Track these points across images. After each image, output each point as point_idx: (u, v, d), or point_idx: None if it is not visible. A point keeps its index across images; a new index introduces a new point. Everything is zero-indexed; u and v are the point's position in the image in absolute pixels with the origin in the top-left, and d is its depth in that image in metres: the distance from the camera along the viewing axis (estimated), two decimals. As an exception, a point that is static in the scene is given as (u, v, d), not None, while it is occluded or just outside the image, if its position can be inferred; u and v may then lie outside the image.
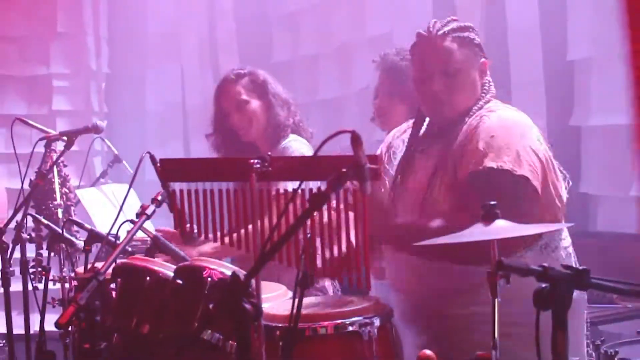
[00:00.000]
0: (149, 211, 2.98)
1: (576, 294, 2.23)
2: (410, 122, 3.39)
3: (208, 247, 3.76)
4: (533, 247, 3.05)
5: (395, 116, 4.04)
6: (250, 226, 2.92)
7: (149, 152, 3.07)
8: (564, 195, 3.12)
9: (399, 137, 3.42)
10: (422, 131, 3.30)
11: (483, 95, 3.18)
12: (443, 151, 3.12)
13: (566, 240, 3.19)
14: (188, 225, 3.11)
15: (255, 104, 4.23)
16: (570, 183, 3.18)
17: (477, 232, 2.55)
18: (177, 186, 3.11)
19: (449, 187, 3.05)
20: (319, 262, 2.83)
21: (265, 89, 4.25)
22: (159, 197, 3.04)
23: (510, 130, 3.04)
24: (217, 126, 4.34)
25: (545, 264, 2.26)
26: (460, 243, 2.57)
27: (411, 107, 3.81)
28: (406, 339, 3.13)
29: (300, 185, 2.58)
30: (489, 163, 2.94)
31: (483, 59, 3.20)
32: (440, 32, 3.15)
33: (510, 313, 2.53)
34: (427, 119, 3.29)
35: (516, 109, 3.20)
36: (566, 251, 3.17)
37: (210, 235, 3.13)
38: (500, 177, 2.93)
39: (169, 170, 3.08)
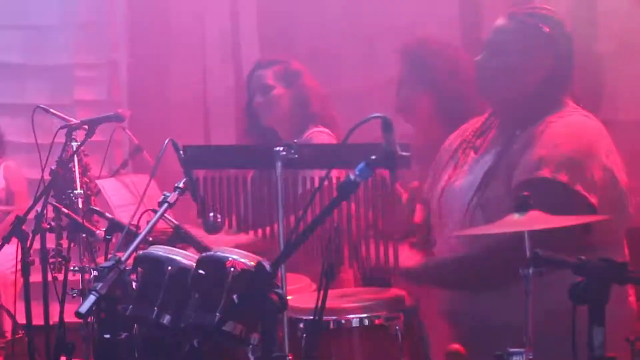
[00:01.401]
0: (171, 199, 2.92)
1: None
2: (473, 120, 3.31)
3: (245, 238, 3.70)
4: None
5: (420, 109, 3.97)
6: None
7: (171, 139, 3.02)
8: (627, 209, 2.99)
9: (460, 136, 3.31)
10: (478, 127, 3.22)
11: (546, 94, 3.03)
12: (500, 153, 3.02)
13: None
14: (211, 214, 3.05)
15: (280, 91, 4.22)
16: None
17: (509, 223, 2.48)
18: (200, 174, 3.06)
19: (501, 195, 2.93)
20: (346, 253, 2.78)
21: (296, 78, 4.25)
22: (181, 185, 2.98)
23: (577, 140, 2.91)
24: (245, 109, 4.40)
25: (582, 257, 2.20)
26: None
27: (437, 99, 3.74)
28: (434, 334, 3.07)
29: (328, 173, 2.52)
30: (546, 173, 2.83)
31: (547, 51, 3.03)
32: (509, 13, 3.11)
33: (544, 308, 2.45)
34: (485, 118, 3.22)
35: (591, 115, 3.07)
36: None
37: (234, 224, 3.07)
38: (554, 190, 2.82)
39: (192, 157, 3.03)
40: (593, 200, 2.84)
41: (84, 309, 2.54)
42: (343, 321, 2.89)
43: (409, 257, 3.01)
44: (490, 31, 3.13)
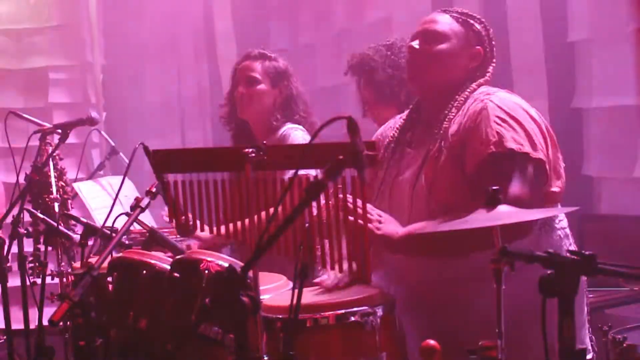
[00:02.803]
0: (143, 204, 2.93)
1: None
2: (396, 117, 3.38)
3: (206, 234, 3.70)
4: (534, 225, 3.00)
5: (382, 112, 3.97)
6: (247, 220, 2.87)
7: (142, 144, 3.01)
8: (563, 173, 3.12)
9: (390, 131, 3.36)
10: (403, 119, 3.31)
11: (471, 81, 3.15)
12: (432, 138, 3.09)
13: (563, 222, 3.16)
14: (183, 217, 3.05)
15: (263, 87, 4.19)
16: (564, 164, 3.15)
17: (480, 219, 2.48)
18: (171, 177, 3.05)
19: (451, 175, 2.99)
20: (318, 253, 2.77)
21: (282, 77, 4.23)
22: (153, 189, 2.98)
23: (517, 112, 3.01)
24: (228, 97, 4.35)
25: (550, 250, 2.21)
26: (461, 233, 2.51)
27: (398, 109, 3.77)
28: (409, 329, 3.07)
29: (295, 173, 2.52)
30: (510, 144, 2.91)
31: (479, 48, 3.18)
32: (442, 9, 3.24)
33: (515, 300, 2.46)
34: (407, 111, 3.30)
35: (508, 92, 3.17)
36: (564, 232, 3.15)
37: (206, 226, 3.07)
38: (520, 159, 2.92)
39: (162, 161, 3.03)
40: (547, 166, 2.98)
41: (56, 316, 2.53)
42: (319, 319, 2.87)
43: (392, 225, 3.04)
44: (424, 22, 3.22)
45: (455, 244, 2.85)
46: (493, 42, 3.23)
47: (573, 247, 3.12)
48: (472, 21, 3.19)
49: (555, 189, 3.07)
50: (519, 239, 2.78)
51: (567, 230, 3.17)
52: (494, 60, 3.23)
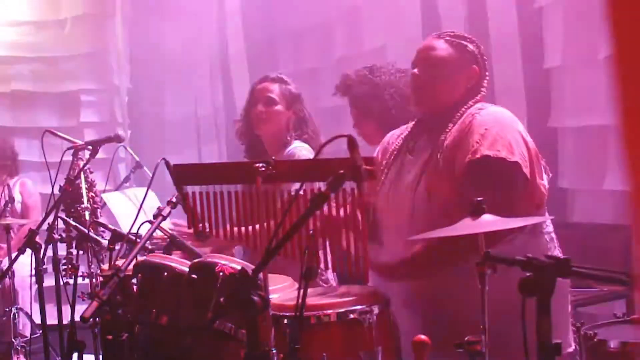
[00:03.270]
0: (164, 212, 2.92)
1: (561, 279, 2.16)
2: (406, 125, 3.33)
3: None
4: (521, 232, 2.94)
5: (369, 132, 3.95)
6: (257, 225, 2.86)
7: (164, 159, 3.00)
8: (546, 184, 3.07)
9: (395, 139, 3.34)
10: (409, 130, 3.26)
11: (468, 99, 3.11)
12: (431, 148, 3.07)
13: (549, 227, 3.14)
14: (200, 224, 3.04)
15: (280, 108, 4.15)
16: (550, 175, 3.12)
17: (465, 226, 2.48)
18: (190, 189, 3.04)
19: (444, 184, 2.97)
20: (321, 257, 2.77)
21: (295, 101, 4.18)
22: (174, 199, 2.97)
23: (501, 122, 2.99)
24: (244, 114, 4.28)
25: (529, 255, 2.20)
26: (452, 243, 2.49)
27: (379, 123, 3.76)
28: (403, 325, 3.06)
29: (301, 186, 2.52)
30: (485, 151, 2.88)
31: (475, 66, 3.14)
32: (438, 35, 3.18)
33: (500, 300, 2.45)
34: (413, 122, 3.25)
35: (501, 107, 3.15)
36: (550, 236, 3.12)
37: (221, 233, 3.06)
38: (496, 165, 2.87)
39: (181, 174, 3.02)
40: (526, 170, 2.91)
41: (87, 313, 2.53)
42: (322, 316, 2.87)
43: (383, 255, 3.01)
44: (422, 49, 3.17)
45: (444, 265, 2.85)
46: (485, 59, 3.19)
47: (558, 250, 3.10)
48: (465, 42, 3.14)
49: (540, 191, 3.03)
50: (502, 241, 2.76)
51: (553, 235, 3.14)
52: (487, 75, 3.19)
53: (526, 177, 2.92)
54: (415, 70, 3.14)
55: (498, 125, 2.96)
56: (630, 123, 0.94)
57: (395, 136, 3.36)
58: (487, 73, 3.19)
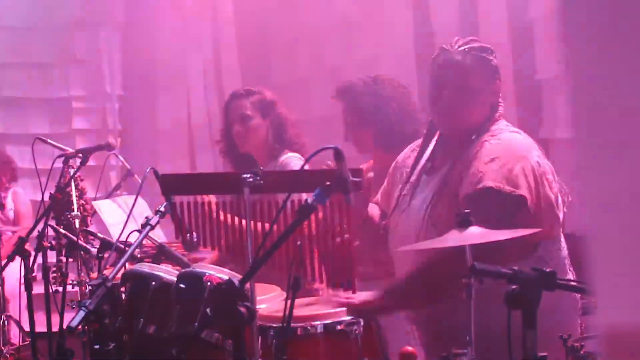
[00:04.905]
0: (152, 221, 2.92)
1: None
2: (417, 142, 3.23)
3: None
4: (529, 258, 2.82)
5: (367, 144, 3.93)
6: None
7: (152, 168, 3.01)
8: (560, 209, 2.94)
9: (407, 158, 3.23)
10: (429, 149, 3.12)
11: (492, 114, 3.00)
12: (445, 173, 2.97)
13: (563, 252, 3.00)
14: (188, 234, 3.05)
15: (257, 120, 4.12)
16: (570, 198, 2.96)
17: (451, 239, 2.48)
18: (178, 198, 3.05)
19: (449, 210, 2.85)
20: (308, 267, 2.77)
21: (271, 108, 4.15)
22: (162, 209, 2.98)
23: (509, 153, 2.86)
24: (223, 134, 4.26)
25: (515, 268, 2.21)
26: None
27: (375, 132, 3.74)
28: (392, 337, 3.06)
29: (288, 197, 2.52)
30: (488, 183, 2.78)
31: (498, 81, 3.02)
32: (461, 49, 2.98)
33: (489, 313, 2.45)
34: (435, 139, 3.12)
35: (518, 130, 3.03)
36: (563, 261, 2.99)
37: (209, 243, 3.07)
38: (497, 197, 2.77)
39: (169, 184, 3.02)
40: (531, 204, 2.80)
41: (74, 323, 2.53)
42: (309, 327, 2.87)
43: (364, 294, 2.92)
44: (447, 64, 2.99)
45: (431, 292, 2.84)
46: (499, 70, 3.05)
47: (571, 275, 2.99)
48: (489, 56, 3.00)
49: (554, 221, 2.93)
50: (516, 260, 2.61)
51: (567, 261, 3.02)
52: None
53: (529, 209, 2.80)
54: (446, 93, 2.96)
55: (504, 154, 2.84)
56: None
57: (406, 155, 3.24)
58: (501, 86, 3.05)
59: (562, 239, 3.02)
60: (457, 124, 2.99)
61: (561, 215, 2.96)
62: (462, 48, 2.98)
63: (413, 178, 3.09)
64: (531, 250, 2.88)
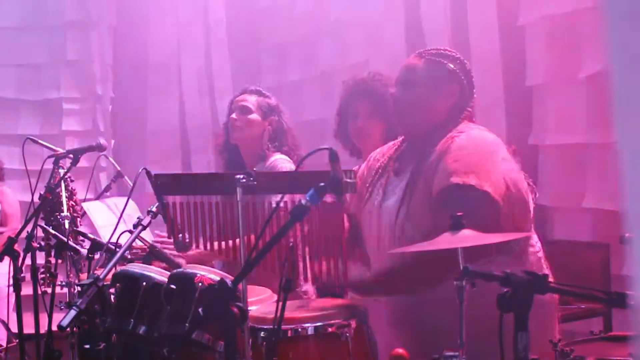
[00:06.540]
0: (144, 222, 2.91)
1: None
2: (389, 144, 3.31)
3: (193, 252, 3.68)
4: (504, 253, 2.90)
5: (374, 135, 3.93)
6: (238, 240, 2.86)
7: (145, 168, 3.00)
8: (531, 205, 3.02)
9: (381, 157, 3.30)
10: (394, 152, 3.23)
11: (451, 118, 3.07)
12: (414, 170, 3.04)
13: (536, 247, 3.09)
14: (180, 235, 3.04)
15: (256, 117, 4.17)
16: (537, 195, 3.10)
17: (444, 241, 2.48)
18: (171, 199, 3.04)
19: (423, 205, 2.93)
20: (301, 269, 2.76)
21: (273, 112, 4.20)
22: (154, 209, 2.97)
23: (478, 149, 2.94)
24: (224, 126, 4.32)
25: (508, 270, 2.21)
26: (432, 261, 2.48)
27: (387, 127, 3.74)
28: (383, 339, 3.05)
29: (282, 198, 2.52)
30: (455, 180, 2.85)
31: (457, 85, 3.09)
32: (418, 52, 3.16)
33: (480, 315, 2.45)
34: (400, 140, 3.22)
35: (486, 129, 3.10)
36: (536, 256, 3.07)
37: (201, 244, 3.06)
38: (466, 193, 2.83)
39: (162, 184, 3.01)
40: (498, 198, 2.86)
41: (65, 322, 2.52)
42: (299, 329, 2.86)
43: (358, 272, 2.99)
44: (402, 68, 3.16)
45: (421, 279, 2.85)
46: (471, 76, 3.14)
47: (547, 271, 3.01)
48: (445, 60, 3.10)
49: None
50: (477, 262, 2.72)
51: (541, 254, 3.09)
52: (474, 93, 3.15)
53: (498, 204, 2.86)
54: (394, 91, 3.14)
55: (473, 151, 2.92)
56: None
57: (381, 153, 3.33)
58: (474, 91, 3.14)
59: (535, 236, 3.10)
60: (407, 121, 3.12)
61: (532, 210, 3.03)
62: (420, 52, 3.16)
63: (382, 179, 3.17)
64: (505, 244, 2.88)
